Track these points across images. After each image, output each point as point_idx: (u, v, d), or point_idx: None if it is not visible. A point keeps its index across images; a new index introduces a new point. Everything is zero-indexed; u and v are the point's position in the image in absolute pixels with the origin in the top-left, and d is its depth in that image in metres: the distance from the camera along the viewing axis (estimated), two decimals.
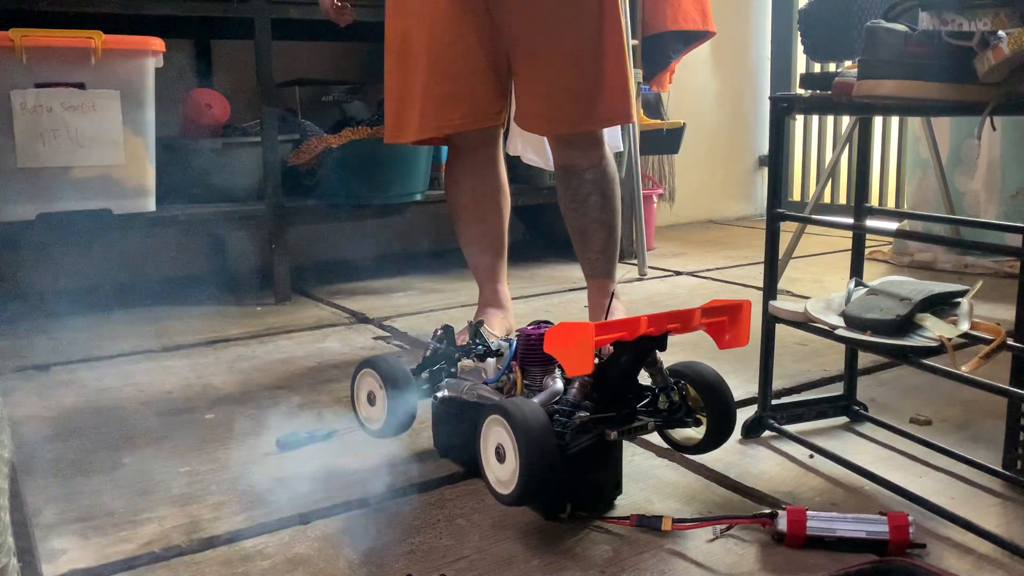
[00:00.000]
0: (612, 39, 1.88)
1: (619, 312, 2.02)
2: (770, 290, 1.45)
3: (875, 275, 1.61)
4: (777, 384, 1.59)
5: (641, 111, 3.19)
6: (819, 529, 1.11)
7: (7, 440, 0.86)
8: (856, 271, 1.50)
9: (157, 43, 2.32)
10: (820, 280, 2.83)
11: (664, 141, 3.28)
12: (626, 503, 1.26)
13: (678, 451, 1.35)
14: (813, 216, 1.64)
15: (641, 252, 3.01)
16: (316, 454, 1.46)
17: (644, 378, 1.28)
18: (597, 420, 1.17)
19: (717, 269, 3.07)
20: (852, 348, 1.55)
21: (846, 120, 3.49)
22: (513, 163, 2.96)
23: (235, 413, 1.66)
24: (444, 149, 2.10)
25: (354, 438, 1.49)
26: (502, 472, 1.13)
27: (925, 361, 1.18)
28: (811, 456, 1.41)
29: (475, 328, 1.43)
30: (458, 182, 2.05)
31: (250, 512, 1.25)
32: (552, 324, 1.22)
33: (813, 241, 3.43)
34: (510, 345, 1.32)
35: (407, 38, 1.89)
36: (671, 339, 1.22)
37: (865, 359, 1.75)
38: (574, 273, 2.71)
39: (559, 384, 1.23)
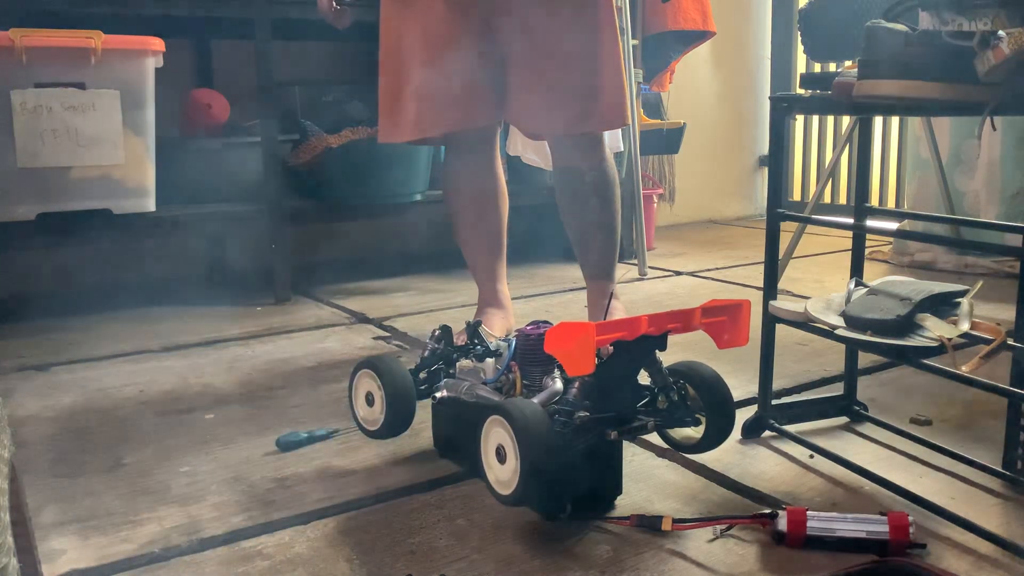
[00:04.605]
0: (607, 42, 1.88)
1: (618, 312, 2.02)
2: (770, 290, 1.45)
3: (875, 275, 1.61)
4: (777, 384, 1.59)
5: (641, 111, 3.19)
6: (819, 529, 1.11)
7: (7, 440, 0.86)
8: (856, 271, 1.50)
9: (157, 43, 2.32)
10: (820, 280, 2.83)
11: (664, 141, 3.28)
12: (626, 503, 1.26)
13: (678, 451, 1.35)
14: (813, 216, 1.64)
15: (641, 252, 3.01)
16: (316, 454, 1.46)
17: (644, 378, 1.28)
18: (597, 420, 1.17)
19: (717, 269, 3.07)
20: (852, 348, 1.55)
21: (846, 120, 3.49)
22: (513, 163, 2.96)
23: (235, 413, 1.66)
24: (444, 149, 2.10)
25: (354, 438, 1.49)
26: (503, 472, 1.13)
27: (925, 361, 1.18)
28: (811, 456, 1.41)
29: (473, 328, 1.43)
30: (456, 182, 2.05)
31: (250, 512, 1.25)
32: (551, 324, 1.22)
33: (813, 241, 3.43)
34: (509, 345, 1.32)
35: (403, 37, 1.89)
36: (671, 339, 1.22)
37: (865, 359, 1.74)
38: (574, 273, 2.71)
39: (559, 384, 1.23)
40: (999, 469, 1.31)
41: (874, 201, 3.75)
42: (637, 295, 2.67)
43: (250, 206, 2.62)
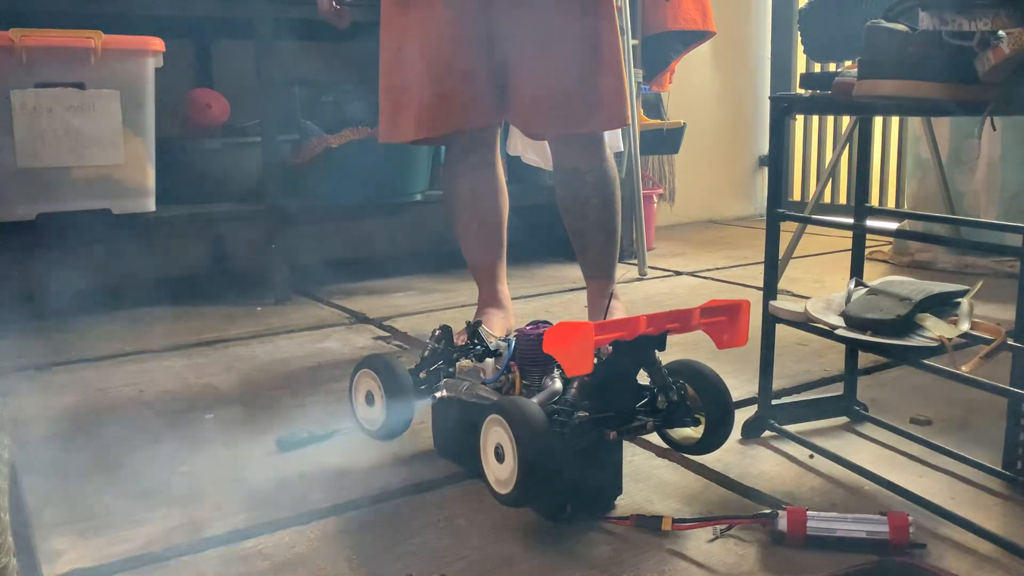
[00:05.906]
0: (607, 43, 1.88)
1: (618, 312, 2.02)
2: (770, 290, 1.45)
3: (875, 275, 1.61)
4: (777, 384, 1.59)
5: (641, 111, 3.19)
6: (819, 529, 1.11)
7: (7, 440, 0.86)
8: (856, 271, 1.50)
9: (157, 43, 2.32)
10: (820, 280, 2.83)
11: (664, 141, 3.28)
12: (626, 503, 1.26)
13: (677, 451, 1.35)
14: (813, 216, 1.64)
15: (641, 252, 3.01)
16: (316, 454, 1.46)
17: (643, 378, 1.28)
18: (596, 420, 1.17)
19: (717, 269, 3.07)
20: (852, 348, 1.55)
21: (846, 120, 3.49)
22: (513, 163, 2.96)
23: (235, 413, 1.66)
24: (444, 149, 2.10)
25: (354, 438, 1.49)
26: (501, 472, 1.13)
27: (925, 361, 1.18)
28: (811, 456, 1.41)
29: (473, 328, 1.43)
30: (456, 182, 2.05)
31: (250, 512, 1.25)
32: (551, 324, 1.22)
33: (813, 241, 3.42)
34: (509, 345, 1.32)
35: (403, 38, 1.89)
36: (670, 338, 1.22)
37: (865, 359, 1.74)
38: (574, 273, 2.71)
39: (558, 384, 1.23)
40: (999, 469, 1.32)
41: (874, 201, 3.75)
42: (637, 295, 2.67)
43: (250, 206, 2.62)
